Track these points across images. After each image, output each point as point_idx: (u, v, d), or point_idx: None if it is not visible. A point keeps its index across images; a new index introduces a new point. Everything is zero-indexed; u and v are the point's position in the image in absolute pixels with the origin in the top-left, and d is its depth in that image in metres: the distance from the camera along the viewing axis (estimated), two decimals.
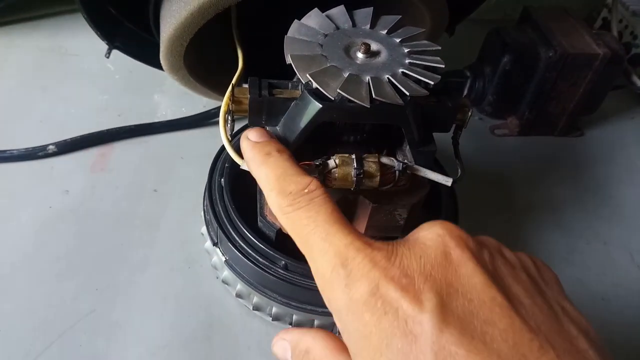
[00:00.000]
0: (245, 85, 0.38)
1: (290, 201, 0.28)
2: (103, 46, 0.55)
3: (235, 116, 0.37)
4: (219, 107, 0.38)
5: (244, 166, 0.37)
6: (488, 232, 0.53)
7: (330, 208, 0.27)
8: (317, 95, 0.34)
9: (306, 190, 0.28)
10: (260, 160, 0.32)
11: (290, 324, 0.42)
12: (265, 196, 0.31)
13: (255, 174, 0.32)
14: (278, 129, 0.37)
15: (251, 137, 0.34)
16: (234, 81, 0.39)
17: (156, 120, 0.62)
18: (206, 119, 0.63)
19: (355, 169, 0.35)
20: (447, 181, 0.38)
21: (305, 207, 0.28)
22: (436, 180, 0.38)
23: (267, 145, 0.33)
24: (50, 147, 0.56)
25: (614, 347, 0.46)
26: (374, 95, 0.32)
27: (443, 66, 0.35)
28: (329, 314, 0.42)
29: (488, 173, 0.63)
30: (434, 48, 0.36)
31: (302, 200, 0.28)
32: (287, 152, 0.32)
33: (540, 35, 0.62)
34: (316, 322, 0.42)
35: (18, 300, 0.44)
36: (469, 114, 0.39)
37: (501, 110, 0.67)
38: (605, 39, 0.62)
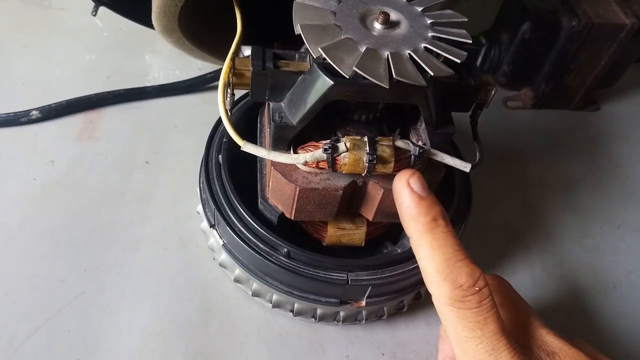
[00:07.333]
0: (247, 53, 0.34)
1: (461, 296, 0.27)
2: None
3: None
4: (216, 71, 0.34)
5: (245, 148, 0.34)
6: (502, 216, 0.52)
7: (497, 316, 0.27)
8: (328, 70, 0.30)
9: (477, 288, 0.27)
10: (425, 225, 0.29)
11: (292, 311, 0.40)
12: (422, 272, 0.28)
13: (415, 238, 0.29)
14: (283, 105, 0.34)
15: (415, 188, 0.30)
16: (232, 50, 0.35)
17: (148, 84, 0.58)
18: (202, 84, 0.59)
19: (368, 153, 0.32)
20: (465, 167, 0.36)
21: (475, 310, 0.26)
22: (453, 165, 0.35)
23: (434, 207, 0.29)
24: (34, 112, 0.52)
25: (624, 341, 0.44)
26: (394, 75, 0.28)
27: (470, 41, 0.31)
28: (332, 304, 0.40)
29: (499, 147, 0.60)
30: (460, 20, 0.32)
31: (473, 300, 0.26)
32: (449, 223, 0.29)
33: (563, 1, 0.58)
34: (319, 312, 0.40)
35: (0, 282, 0.41)
36: (492, 93, 0.36)
37: (516, 81, 0.64)
38: (633, 6, 0.58)
